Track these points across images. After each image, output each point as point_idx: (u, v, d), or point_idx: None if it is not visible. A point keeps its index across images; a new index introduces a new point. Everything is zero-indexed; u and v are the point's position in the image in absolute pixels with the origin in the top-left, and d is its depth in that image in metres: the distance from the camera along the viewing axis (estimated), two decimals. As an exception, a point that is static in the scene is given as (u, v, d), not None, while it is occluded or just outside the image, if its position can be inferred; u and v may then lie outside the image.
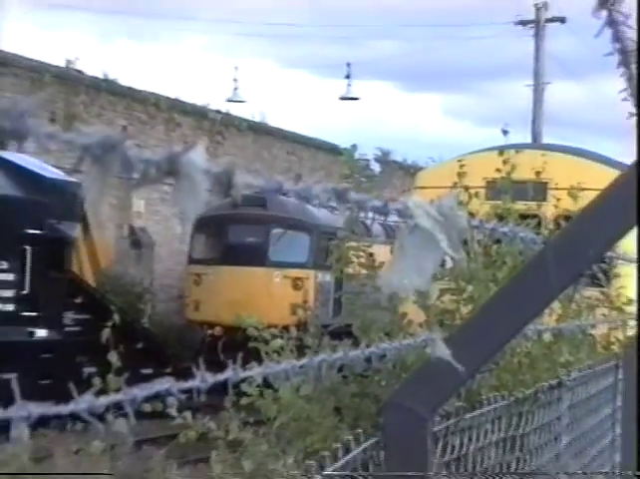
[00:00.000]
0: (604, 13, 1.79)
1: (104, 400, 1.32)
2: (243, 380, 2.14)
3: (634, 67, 1.91)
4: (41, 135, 0.90)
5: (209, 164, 1.13)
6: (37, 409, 1.15)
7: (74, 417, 1.53)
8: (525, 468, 4.45)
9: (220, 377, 1.64)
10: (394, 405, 2.87)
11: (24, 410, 1.16)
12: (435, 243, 1.64)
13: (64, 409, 1.23)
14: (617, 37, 1.86)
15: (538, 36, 35.30)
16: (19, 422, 1.15)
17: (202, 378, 1.56)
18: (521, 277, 3.12)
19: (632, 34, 1.85)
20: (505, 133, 39.08)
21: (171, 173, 1.09)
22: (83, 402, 1.25)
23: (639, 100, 3.13)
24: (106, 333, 8.78)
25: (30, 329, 20.05)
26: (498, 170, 10.11)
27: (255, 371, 1.94)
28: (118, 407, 1.57)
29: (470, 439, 3.78)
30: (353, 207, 1.51)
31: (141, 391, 1.41)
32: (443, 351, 2.46)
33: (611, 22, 1.81)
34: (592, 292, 9.28)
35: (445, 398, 2.89)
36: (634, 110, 2.04)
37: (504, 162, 9.94)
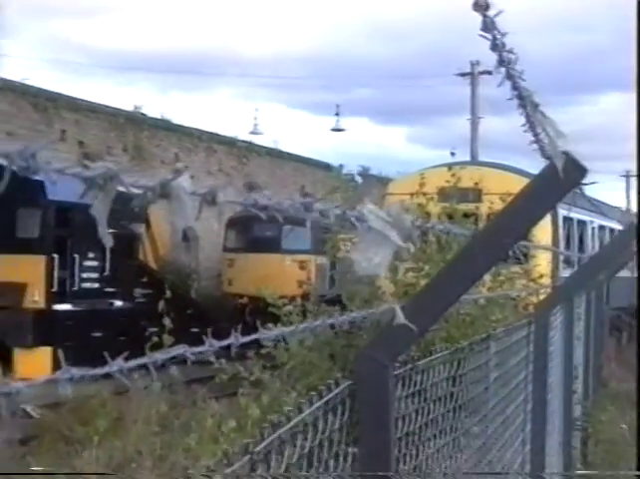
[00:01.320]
0: (503, 70, 1.77)
1: (132, 363, 1.28)
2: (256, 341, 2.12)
3: (529, 108, 1.90)
4: (50, 170, 0.87)
5: (196, 186, 1.10)
6: (78, 372, 1.12)
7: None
8: (464, 397, 4.41)
9: (224, 343, 1.61)
10: (364, 356, 2.83)
11: (68, 373, 1.12)
12: (384, 240, 1.61)
13: (100, 371, 1.20)
14: (514, 87, 1.85)
15: (474, 84, 35.46)
16: (65, 383, 1.11)
17: (210, 344, 1.53)
18: (458, 260, 3.09)
19: (525, 84, 1.84)
20: (452, 154, 39.17)
21: (164, 195, 1.06)
22: (115, 365, 1.22)
23: None
24: (161, 304, 8.82)
25: (110, 301, 20.08)
26: (447, 181, 10.10)
27: (251, 337, 1.89)
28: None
29: (423, 378, 3.74)
30: (317, 215, 1.48)
31: (162, 355, 1.37)
32: (400, 318, 2.43)
33: (509, 76, 1.79)
34: (515, 269, 9.24)
35: (401, 351, 2.86)
36: (533, 138, 2.03)
37: (452, 175, 9.93)
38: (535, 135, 2.05)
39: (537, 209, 2.70)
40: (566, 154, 2.37)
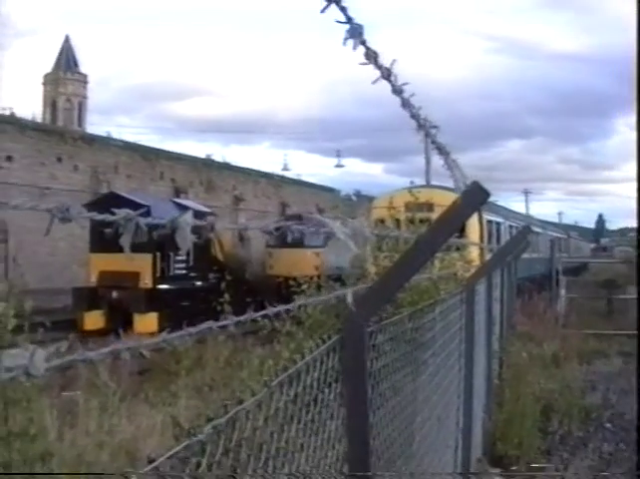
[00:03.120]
0: (422, 132, 1.72)
1: (172, 336, 1.24)
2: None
3: (444, 155, 1.84)
4: (79, 219, 0.83)
5: (196, 221, 1.07)
6: (133, 344, 1.08)
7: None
8: (421, 340, 4.30)
9: (240, 318, 1.55)
10: (347, 318, 2.79)
11: (123, 344, 1.08)
12: (347, 245, 1.56)
13: (153, 341, 1.15)
14: (433, 142, 1.79)
15: (426, 135, 35.30)
16: (125, 353, 1.07)
17: (231, 319, 1.48)
18: (409, 252, 3.02)
19: (441, 138, 1.78)
20: (412, 182, 38.91)
21: (173, 228, 1.03)
22: (162, 337, 1.18)
23: None
24: (223, 284, 8.77)
25: (193, 282, 20.12)
26: (410, 199, 10.00)
27: (260, 314, 1.83)
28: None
29: (394, 328, 3.65)
30: (295, 229, 1.45)
31: (194, 329, 1.32)
32: (349, 301, 2.37)
33: (427, 135, 1.74)
34: (455, 255, 9.14)
35: (371, 315, 2.80)
36: (450, 173, 1.96)
37: (413, 195, 9.85)
38: (452, 171, 1.99)
39: (460, 217, 2.64)
40: (476, 183, 2.32)
